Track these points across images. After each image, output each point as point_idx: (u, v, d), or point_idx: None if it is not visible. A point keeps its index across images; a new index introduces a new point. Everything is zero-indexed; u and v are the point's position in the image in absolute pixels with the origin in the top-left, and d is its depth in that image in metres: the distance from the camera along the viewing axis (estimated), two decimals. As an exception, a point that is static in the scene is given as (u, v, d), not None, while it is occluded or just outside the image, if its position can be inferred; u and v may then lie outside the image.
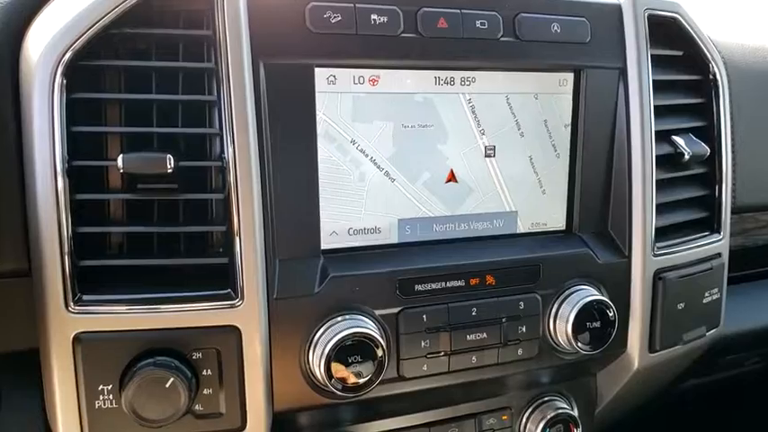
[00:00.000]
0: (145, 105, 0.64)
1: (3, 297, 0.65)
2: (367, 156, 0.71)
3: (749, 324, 1.06)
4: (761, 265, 1.17)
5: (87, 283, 0.61)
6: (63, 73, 0.59)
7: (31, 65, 0.60)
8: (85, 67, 0.61)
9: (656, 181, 0.81)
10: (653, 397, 1.00)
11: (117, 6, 0.59)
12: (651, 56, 0.80)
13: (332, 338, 0.65)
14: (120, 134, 0.63)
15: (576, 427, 0.86)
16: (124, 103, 0.64)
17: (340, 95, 0.69)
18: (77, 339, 0.60)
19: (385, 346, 0.67)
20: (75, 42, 0.59)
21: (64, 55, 0.59)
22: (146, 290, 0.62)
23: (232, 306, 0.63)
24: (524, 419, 0.86)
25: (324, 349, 0.65)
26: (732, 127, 0.93)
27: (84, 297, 0.61)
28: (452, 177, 0.75)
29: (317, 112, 0.67)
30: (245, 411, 0.65)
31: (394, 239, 0.74)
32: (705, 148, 0.86)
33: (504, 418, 0.85)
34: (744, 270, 1.10)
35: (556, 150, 0.79)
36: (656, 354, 0.85)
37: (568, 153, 0.80)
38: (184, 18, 0.64)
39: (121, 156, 0.60)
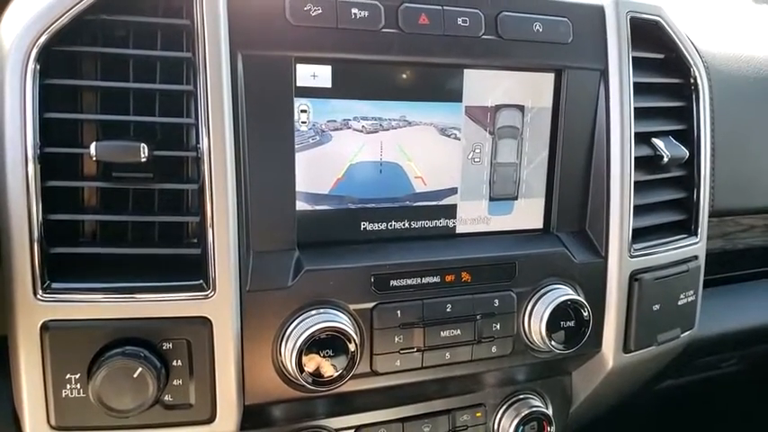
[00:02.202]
0: (121, 93, 0.63)
1: None
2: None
3: (724, 326, 1.07)
4: (740, 269, 1.18)
5: (61, 271, 0.61)
6: (36, 58, 0.58)
7: (4, 49, 0.59)
8: (61, 53, 0.60)
9: (635, 183, 0.82)
10: (628, 397, 1.01)
11: None
12: (632, 58, 0.81)
13: (304, 332, 0.65)
14: (96, 122, 0.63)
15: (550, 425, 0.86)
16: (100, 91, 0.63)
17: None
18: (45, 327, 0.60)
19: (358, 341, 0.67)
20: (49, 27, 0.58)
21: (38, 39, 0.58)
22: (116, 279, 0.61)
23: (204, 297, 0.63)
24: (498, 416, 0.86)
25: (296, 342, 0.65)
26: (712, 131, 0.94)
27: (54, 285, 0.60)
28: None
29: (295, 105, 0.67)
30: (215, 403, 0.65)
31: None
32: (684, 151, 0.87)
33: (478, 414, 0.85)
34: (721, 273, 1.11)
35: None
36: (631, 354, 0.86)
37: (547, 152, 0.80)
38: (163, 6, 0.63)
39: (94, 143, 0.60)
